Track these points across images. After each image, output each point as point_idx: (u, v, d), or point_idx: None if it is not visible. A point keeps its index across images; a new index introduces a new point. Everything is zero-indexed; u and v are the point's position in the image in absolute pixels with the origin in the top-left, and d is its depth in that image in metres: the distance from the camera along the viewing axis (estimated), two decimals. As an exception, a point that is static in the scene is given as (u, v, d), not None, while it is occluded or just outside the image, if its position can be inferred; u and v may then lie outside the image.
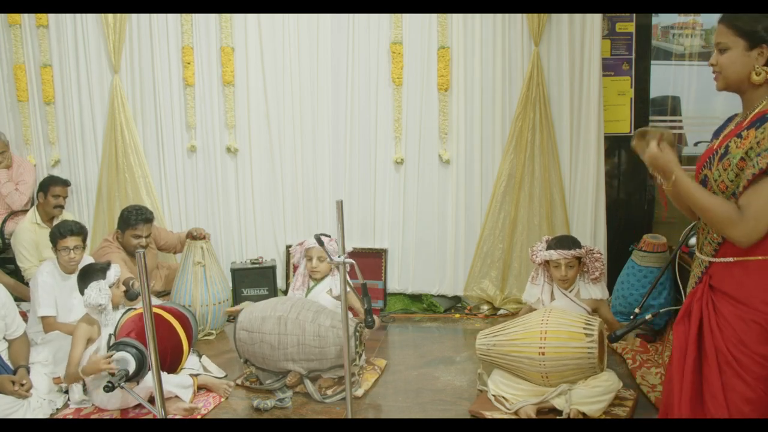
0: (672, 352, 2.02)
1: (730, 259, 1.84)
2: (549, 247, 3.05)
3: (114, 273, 3.05)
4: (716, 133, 2.02)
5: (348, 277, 2.78)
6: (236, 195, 4.57)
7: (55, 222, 4.20)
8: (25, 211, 4.38)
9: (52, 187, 4.17)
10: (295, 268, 3.66)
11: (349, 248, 3.52)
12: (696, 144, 4.74)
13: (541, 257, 3.06)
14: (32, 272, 4.05)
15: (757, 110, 1.82)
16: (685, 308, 1.98)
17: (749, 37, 1.77)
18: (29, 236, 4.12)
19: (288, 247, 4.51)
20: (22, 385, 2.88)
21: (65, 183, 4.26)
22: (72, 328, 3.11)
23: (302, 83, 4.38)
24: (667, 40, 4.55)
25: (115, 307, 3.08)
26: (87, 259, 3.56)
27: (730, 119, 2.02)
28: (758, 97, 1.83)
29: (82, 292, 3.01)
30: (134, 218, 3.84)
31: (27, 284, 3.93)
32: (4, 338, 3.06)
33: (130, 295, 3.32)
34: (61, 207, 4.22)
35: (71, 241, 3.42)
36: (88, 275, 3.02)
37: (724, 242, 1.86)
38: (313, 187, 4.50)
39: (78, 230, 3.48)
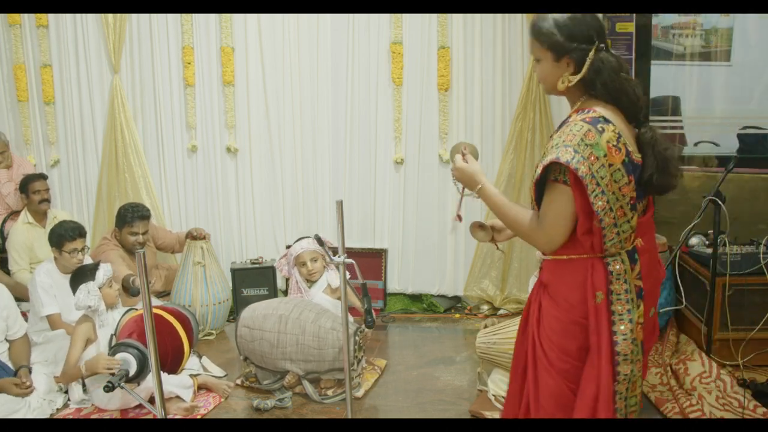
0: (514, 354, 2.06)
1: (548, 257, 1.86)
2: None
3: (103, 274, 3.02)
4: None
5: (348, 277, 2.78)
6: (236, 195, 4.57)
7: (49, 219, 4.21)
8: (25, 212, 4.38)
9: (30, 185, 4.17)
10: (287, 278, 3.67)
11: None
12: (696, 144, 4.72)
13: None
14: (21, 275, 4.06)
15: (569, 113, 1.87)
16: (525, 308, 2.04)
17: (554, 49, 1.78)
18: (22, 238, 4.12)
19: (288, 247, 4.50)
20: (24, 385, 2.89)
21: (42, 176, 4.25)
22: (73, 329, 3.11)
23: (302, 83, 4.38)
24: (667, 40, 4.54)
25: (110, 307, 3.08)
26: (86, 259, 3.56)
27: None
28: (575, 99, 1.85)
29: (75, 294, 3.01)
30: (130, 215, 3.85)
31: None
32: (5, 339, 3.07)
33: (133, 292, 3.31)
34: (47, 201, 4.22)
35: (80, 243, 3.45)
36: (78, 277, 3.02)
37: None
38: (313, 187, 4.50)
39: (84, 231, 3.52)
